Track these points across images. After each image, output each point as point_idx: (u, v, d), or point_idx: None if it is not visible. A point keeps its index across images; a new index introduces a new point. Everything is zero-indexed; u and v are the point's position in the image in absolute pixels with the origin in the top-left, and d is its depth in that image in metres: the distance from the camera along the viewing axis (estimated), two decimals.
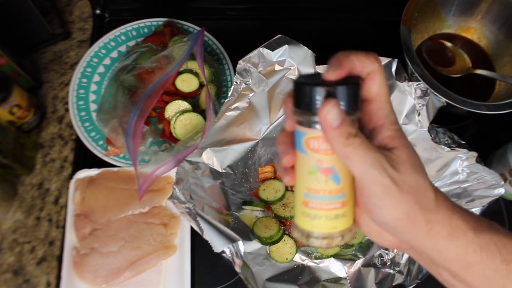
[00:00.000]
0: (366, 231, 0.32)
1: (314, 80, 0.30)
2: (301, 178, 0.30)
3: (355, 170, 0.27)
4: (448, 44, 0.73)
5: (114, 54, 0.76)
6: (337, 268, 0.60)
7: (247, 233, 0.61)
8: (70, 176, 0.67)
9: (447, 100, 0.61)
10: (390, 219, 0.28)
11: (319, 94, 0.27)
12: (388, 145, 0.29)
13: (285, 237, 0.61)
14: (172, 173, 0.64)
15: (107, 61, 0.75)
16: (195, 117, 0.67)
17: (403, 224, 0.28)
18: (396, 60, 0.63)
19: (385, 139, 0.29)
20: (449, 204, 0.29)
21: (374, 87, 0.29)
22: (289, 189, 0.65)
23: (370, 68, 0.29)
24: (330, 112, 0.27)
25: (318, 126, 0.28)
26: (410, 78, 0.64)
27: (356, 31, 0.84)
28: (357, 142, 0.27)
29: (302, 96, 0.28)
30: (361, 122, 0.30)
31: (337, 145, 0.27)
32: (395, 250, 0.60)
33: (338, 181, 0.29)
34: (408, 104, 0.63)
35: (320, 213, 0.29)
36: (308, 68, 0.63)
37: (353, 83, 0.28)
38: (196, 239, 0.63)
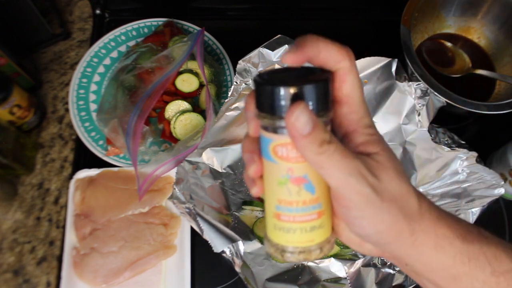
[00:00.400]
0: (345, 241, 0.29)
1: (278, 77, 0.26)
2: (271, 189, 0.26)
3: (330, 180, 0.24)
4: (448, 44, 0.73)
5: (114, 54, 0.76)
6: (337, 268, 0.60)
7: (247, 233, 0.61)
8: (70, 176, 0.67)
9: (447, 100, 0.61)
10: (371, 231, 0.25)
11: (284, 94, 0.23)
12: (364, 151, 0.26)
13: None
14: (172, 173, 0.64)
15: (107, 61, 0.75)
16: (195, 117, 0.67)
17: (386, 236, 0.25)
18: (396, 60, 0.63)
19: (359, 145, 0.26)
20: (434, 211, 0.27)
21: (344, 87, 0.25)
22: None
23: (340, 64, 0.25)
24: (299, 118, 0.23)
25: (285, 131, 0.24)
26: (410, 78, 0.64)
27: (356, 31, 0.84)
28: (331, 149, 0.24)
29: (264, 97, 0.24)
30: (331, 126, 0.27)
31: (309, 154, 0.24)
32: None
33: (313, 190, 0.25)
34: (408, 104, 0.63)
35: (294, 226, 0.26)
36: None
37: (323, 80, 0.24)
38: (196, 239, 0.63)
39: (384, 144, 0.26)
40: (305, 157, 0.24)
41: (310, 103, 0.24)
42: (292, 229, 0.26)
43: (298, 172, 0.25)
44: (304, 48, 0.25)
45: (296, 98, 0.23)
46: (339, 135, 0.27)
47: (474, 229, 0.28)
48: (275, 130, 0.25)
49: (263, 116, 0.25)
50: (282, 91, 0.23)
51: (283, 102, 0.23)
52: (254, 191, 0.28)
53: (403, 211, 0.25)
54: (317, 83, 0.24)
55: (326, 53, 0.25)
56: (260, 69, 0.63)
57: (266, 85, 0.24)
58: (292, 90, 0.23)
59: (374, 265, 0.59)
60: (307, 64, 0.26)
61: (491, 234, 0.28)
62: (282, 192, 0.26)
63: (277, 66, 0.63)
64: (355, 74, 0.25)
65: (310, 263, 0.61)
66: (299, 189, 0.25)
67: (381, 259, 0.59)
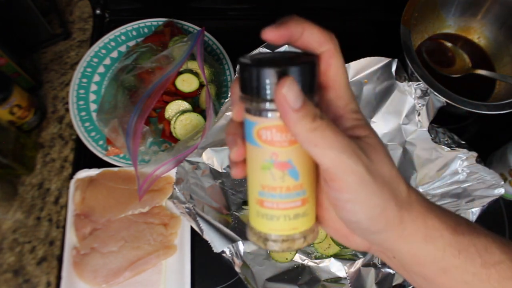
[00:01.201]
0: (332, 233, 0.28)
1: (263, 59, 0.25)
2: (254, 173, 0.26)
3: (323, 159, 0.23)
4: (448, 44, 0.73)
5: (114, 54, 0.76)
6: (337, 268, 0.60)
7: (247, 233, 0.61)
8: (70, 176, 0.67)
9: (447, 100, 0.61)
10: (364, 217, 0.24)
11: (269, 75, 0.23)
12: (353, 135, 0.25)
13: None
14: (172, 173, 0.64)
15: (107, 61, 0.75)
16: (195, 117, 0.67)
17: (377, 224, 0.24)
18: (396, 60, 0.63)
19: (347, 130, 0.25)
20: (423, 201, 0.26)
21: (330, 71, 0.25)
22: None
23: (323, 46, 0.24)
24: (290, 91, 0.22)
25: (270, 114, 0.24)
26: (410, 78, 0.64)
27: (356, 31, 0.84)
28: (324, 124, 0.22)
29: (249, 79, 0.24)
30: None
31: (301, 130, 0.22)
32: None
33: (297, 176, 0.25)
34: (408, 104, 0.63)
35: (277, 213, 0.25)
36: None
37: (309, 61, 0.24)
38: (196, 239, 0.63)
39: (372, 130, 0.26)
40: (297, 134, 0.23)
41: (298, 82, 0.23)
42: (276, 216, 0.26)
43: (282, 156, 0.24)
44: (287, 25, 0.24)
45: (284, 76, 0.23)
46: None
47: (463, 221, 0.27)
48: (259, 112, 0.24)
49: (248, 98, 0.24)
50: (269, 72, 0.23)
51: (269, 84, 0.23)
52: (234, 172, 0.27)
53: (393, 196, 0.24)
54: (303, 64, 0.23)
55: (309, 34, 0.24)
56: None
57: (252, 66, 0.23)
58: (278, 71, 0.22)
59: (374, 265, 0.59)
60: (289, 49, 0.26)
61: (480, 226, 0.28)
62: (266, 177, 0.25)
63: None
64: (339, 58, 0.25)
65: (310, 263, 0.61)
66: (283, 175, 0.25)
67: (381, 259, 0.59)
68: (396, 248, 0.26)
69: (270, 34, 0.24)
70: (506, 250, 0.27)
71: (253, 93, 0.24)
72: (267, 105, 0.23)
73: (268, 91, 0.23)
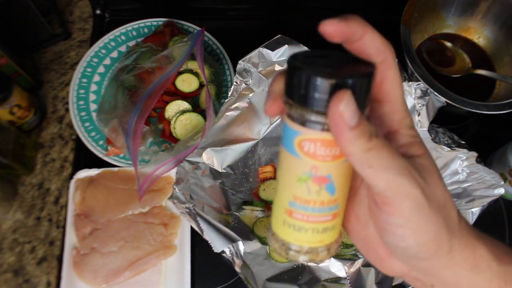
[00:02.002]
0: (364, 251, 0.27)
1: (316, 63, 0.22)
2: (287, 182, 0.24)
3: (378, 181, 0.21)
4: (448, 44, 0.73)
5: (114, 54, 0.76)
6: (337, 268, 0.60)
7: (247, 233, 0.61)
8: (70, 176, 0.67)
9: (447, 100, 0.61)
10: (414, 243, 0.22)
11: (324, 86, 0.20)
12: (407, 153, 0.23)
13: None
14: (172, 173, 0.64)
15: (107, 61, 0.75)
16: (195, 117, 0.67)
17: (427, 251, 0.22)
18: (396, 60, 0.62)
19: (402, 147, 0.23)
20: (472, 229, 0.25)
21: (386, 84, 0.23)
22: None
23: (381, 55, 0.22)
24: (347, 107, 0.20)
25: (318, 126, 0.21)
26: (410, 78, 0.64)
27: None
28: (380, 144, 0.20)
29: (298, 85, 0.21)
30: None
31: (356, 150, 0.20)
32: None
33: (333, 191, 0.23)
34: (408, 104, 0.63)
35: (306, 225, 0.24)
36: None
37: (367, 74, 0.21)
38: (196, 239, 0.63)
39: (426, 148, 0.24)
40: (350, 154, 0.21)
41: (354, 96, 0.21)
42: (304, 228, 0.24)
43: (323, 171, 0.23)
44: (350, 22, 0.22)
45: (340, 89, 0.20)
46: None
47: (509, 250, 0.26)
48: (304, 123, 0.22)
49: (293, 105, 0.22)
50: (325, 82, 0.20)
51: (323, 95, 0.20)
52: (269, 109, 0.24)
53: (446, 223, 0.23)
54: (363, 77, 0.21)
55: (370, 38, 0.22)
56: (260, 69, 0.63)
57: (303, 71, 0.21)
58: (335, 83, 0.20)
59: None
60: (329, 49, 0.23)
61: None
62: (300, 190, 0.23)
63: (277, 66, 0.63)
64: (396, 70, 0.23)
65: (310, 263, 0.61)
66: (319, 189, 0.23)
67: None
68: (440, 276, 0.24)
69: (329, 27, 0.21)
70: None
71: (301, 101, 0.21)
72: (316, 116, 0.21)
73: (320, 103, 0.21)
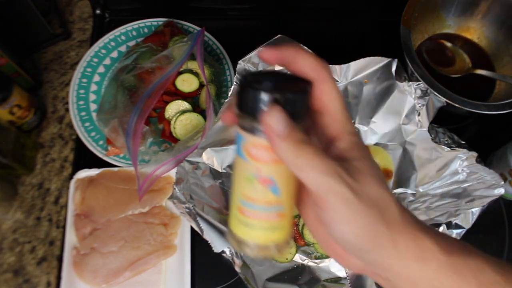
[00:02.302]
0: (331, 254, 0.29)
1: (261, 80, 0.26)
2: (238, 182, 0.27)
3: (308, 181, 0.24)
4: (448, 44, 0.73)
5: (114, 54, 0.76)
6: (337, 268, 0.60)
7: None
8: (70, 176, 0.67)
9: (447, 100, 0.61)
10: (352, 236, 0.25)
11: (261, 99, 0.24)
12: (345, 156, 0.26)
13: None
14: (172, 173, 0.64)
15: (107, 61, 0.75)
16: (195, 117, 0.67)
17: (366, 241, 0.25)
18: (396, 60, 0.63)
19: (341, 151, 0.26)
20: (416, 222, 0.27)
21: (324, 97, 0.26)
22: None
23: (316, 72, 0.26)
24: (277, 121, 0.24)
25: (260, 134, 0.25)
26: (410, 78, 0.64)
27: (356, 31, 0.84)
28: (310, 150, 0.24)
29: (244, 98, 0.25)
30: (313, 136, 0.27)
31: (287, 155, 0.24)
32: None
33: (277, 192, 0.26)
34: (408, 104, 0.63)
35: (255, 222, 0.27)
36: None
37: (302, 88, 0.26)
38: (196, 239, 0.63)
39: (366, 151, 0.27)
40: (282, 159, 0.24)
41: (289, 109, 0.24)
42: (254, 225, 0.27)
43: (265, 173, 0.26)
44: (283, 49, 0.26)
45: (275, 104, 0.24)
46: (323, 143, 0.27)
47: (457, 242, 0.28)
48: (251, 130, 0.25)
49: (241, 115, 0.26)
50: (262, 95, 0.24)
51: (262, 106, 0.24)
52: (223, 117, 0.28)
53: (382, 216, 0.25)
54: (296, 92, 0.25)
55: (302, 60, 0.26)
56: (260, 69, 0.63)
57: (248, 87, 0.25)
58: (270, 98, 0.24)
59: None
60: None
61: (473, 247, 0.28)
62: (248, 188, 0.27)
63: (277, 66, 0.63)
64: (332, 83, 0.26)
65: (310, 263, 0.61)
66: (264, 189, 0.26)
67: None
68: (389, 268, 0.26)
69: (266, 54, 0.26)
70: (500, 271, 0.27)
71: (246, 112, 0.25)
72: (258, 125, 0.25)
73: (259, 113, 0.24)
